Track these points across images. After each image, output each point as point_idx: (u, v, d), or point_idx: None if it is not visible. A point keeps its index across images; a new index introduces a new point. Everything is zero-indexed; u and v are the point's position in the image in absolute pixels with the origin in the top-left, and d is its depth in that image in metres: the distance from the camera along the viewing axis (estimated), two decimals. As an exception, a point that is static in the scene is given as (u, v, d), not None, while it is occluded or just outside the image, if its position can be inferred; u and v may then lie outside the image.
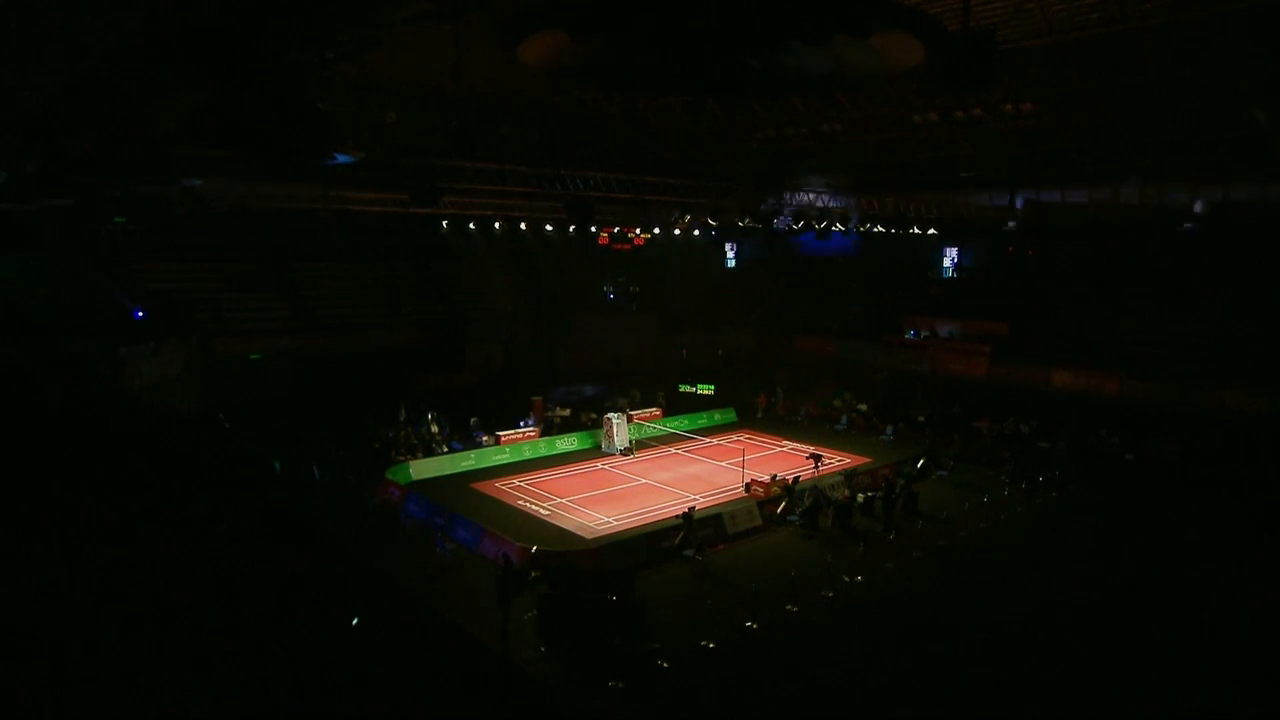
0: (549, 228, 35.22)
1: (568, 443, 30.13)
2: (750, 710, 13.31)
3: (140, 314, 29.15)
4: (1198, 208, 23.26)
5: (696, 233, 35.20)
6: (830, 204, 28.15)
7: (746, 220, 28.10)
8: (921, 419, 32.68)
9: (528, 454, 28.93)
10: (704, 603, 16.91)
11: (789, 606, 16.61)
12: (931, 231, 32.10)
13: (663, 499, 23.95)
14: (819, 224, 29.00)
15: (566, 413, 31.88)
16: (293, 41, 7.32)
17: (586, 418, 31.63)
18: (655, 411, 33.75)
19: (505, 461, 28.05)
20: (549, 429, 30.67)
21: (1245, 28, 14.32)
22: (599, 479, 26.57)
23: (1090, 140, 20.52)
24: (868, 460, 28.37)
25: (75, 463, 13.78)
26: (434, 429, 29.00)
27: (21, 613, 9.33)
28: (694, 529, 20.04)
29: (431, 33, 11.08)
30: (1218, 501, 23.16)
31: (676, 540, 19.79)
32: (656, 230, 36.05)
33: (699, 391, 36.87)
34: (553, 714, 12.27)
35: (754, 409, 36.01)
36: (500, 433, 28.95)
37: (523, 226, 34.87)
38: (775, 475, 24.58)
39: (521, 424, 30.06)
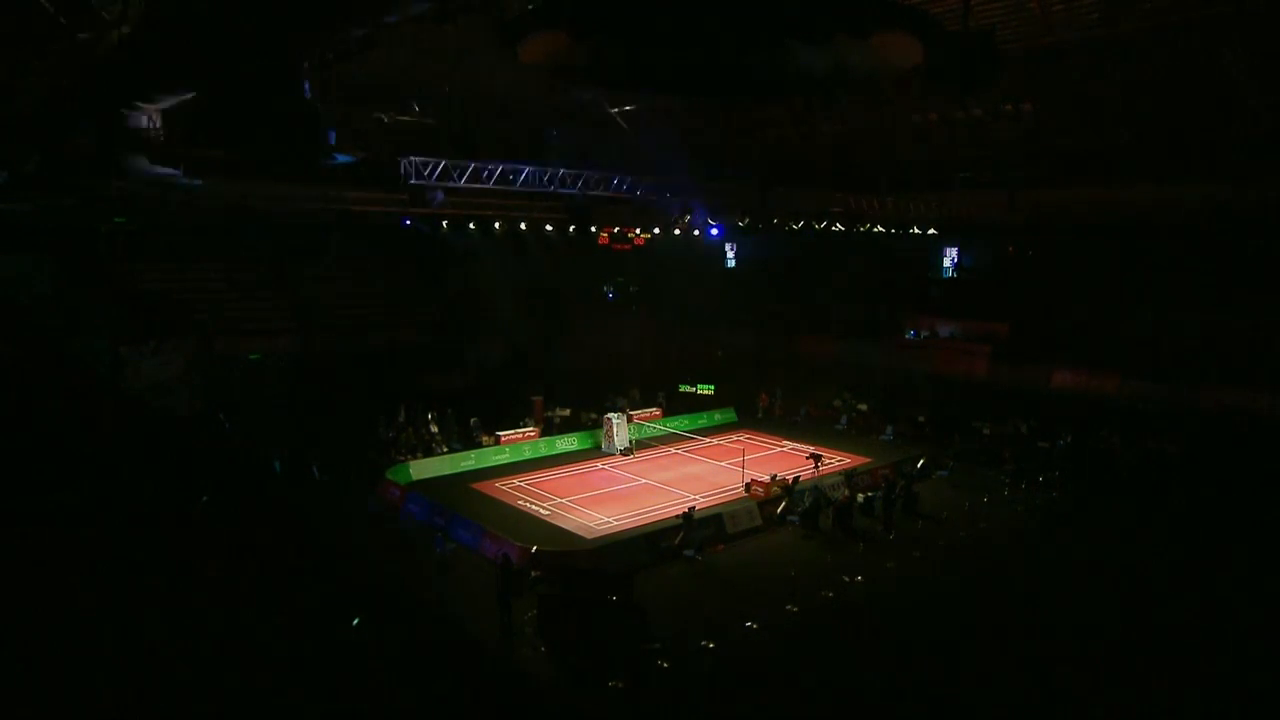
0: (549, 228, 35.19)
1: (568, 443, 30.12)
2: (750, 710, 13.30)
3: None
4: (1197, 208, 23.23)
5: (696, 233, 35.18)
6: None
7: (746, 220, 28.10)
8: (921, 419, 32.66)
9: (528, 454, 28.93)
10: (704, 603, 16.91)
11: (789, 606, 16.61)
12: (931, 231, 32.09)
13: (663, 499, 23.94)
14: (818, 224, 29.00)
15: (566, 413, 31.87)
16: (293, 41, 7.32)
17: (586, 418, 31.62)
18: (655, 411, 33.74)
19: (505, 461, 28.05)
20: (549, 429, 30.67)
21: (1245, 28, 14.33)
22: (599, 479, 26.56)
23: (1090, 140, 20.52)
24: (868, 460, 28.36)
25: (75, 463, 13.78)
26: (434, 429, 29.00)
27: (21, 613, 9.31)
28: (694, 529, 20.04)
29: (431, 33, 11.08)
30: (1218, 501, 23.15)
31: (676, 540, 19.79)
32: (656, 230, 36.01)
33: (699, 391, 36.86)
34: (553, 714, 12.26)
35: (754, 409, 36.00)
36: (500, 433, 28.95)
37: (523, 226, 34.84)
38: (775, 475, 24.57)
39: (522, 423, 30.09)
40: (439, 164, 21.05)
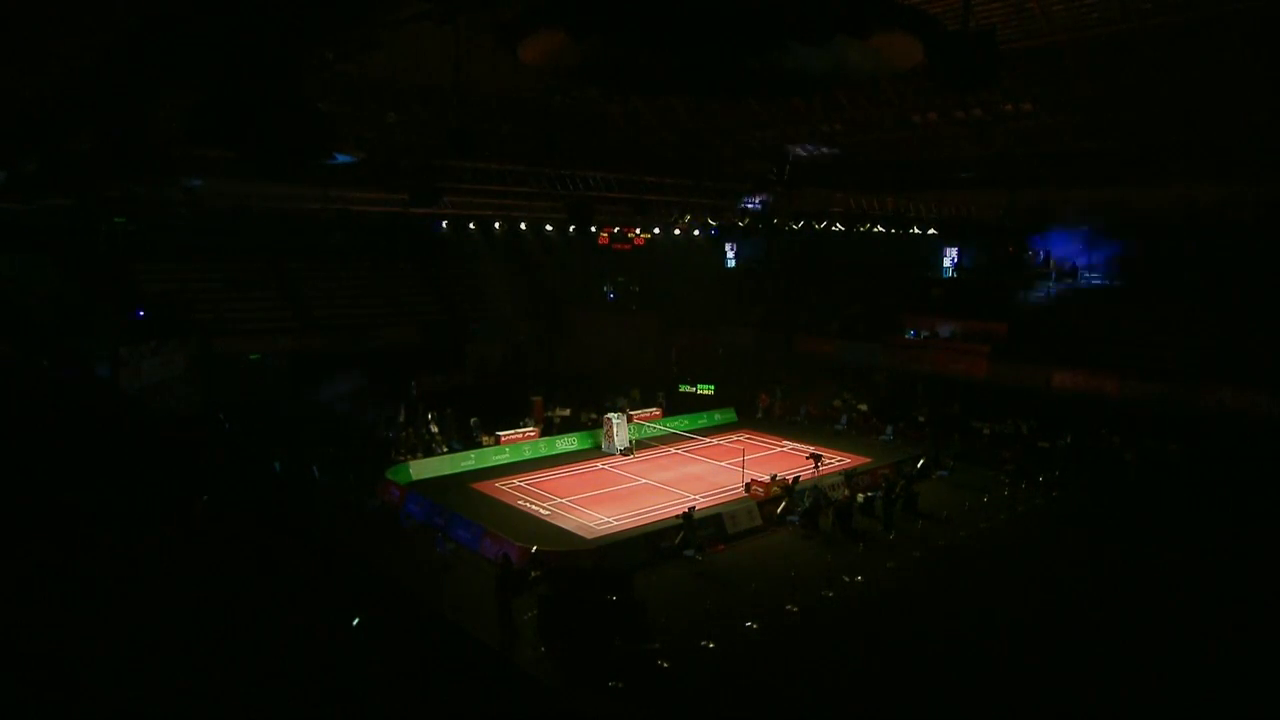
0: (549, 228, 35.23)
1: (568, 443, 30.12)
2: (750, 710, 13.30)
3: (140, 314, 29.19)
4: (1198, 208, 23.24)
5: (696, 233, 35.22)
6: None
7: (746, 220, 28.11)
8: (921, 419, 32.66)
9: (528, 454, 28.93)
10: (704, 603, 16.90)
11: (789, 606, 16.61)
12: (931, 231, 32.10)
13: (663, 499, 23.94)
14: (818, 224, 29.02)
15: (566, 413, 31.88)
16: (293, 41, 7.32)
17: (586, 418, 31.64)
18: (655, 411, 33.75)
19: (505, 461, 28.04)
20: (549, 429, 30.68)
21: (1245, 28, 14.32)
22: (599, 479, 26.57)
23: (1090, 140, 20.50)
24: (868, 460, 28.37)
25: (75, 463, 13.77)
26: (434, 429, 29.01)
27: (21, 613, 9.32)
28: (694, 529, 20.03)
29: (431, 33, 11.08)
30: (1218, 501, 23.15)
31: (676, 540, 19.79)
32: (656, 230, 36.05)
33: (699, 391, 36.87)
34: (553, 714, 12.27)
35: (754, 409, 36.01)
36: (500, 433, 28.96)
37: (523, 226, 34.88)
38: (775, 475, 24.57)
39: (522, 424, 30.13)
40: (440, 164, 21.07)
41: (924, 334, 35.95)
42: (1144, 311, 30.76)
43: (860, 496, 23.31)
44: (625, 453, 29.32)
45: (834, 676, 14.28)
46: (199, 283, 34.15)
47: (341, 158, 15.61)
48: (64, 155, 15.99)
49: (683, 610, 16.49)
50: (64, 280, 28.85)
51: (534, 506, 23.42)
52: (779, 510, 22.46)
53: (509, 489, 25.15)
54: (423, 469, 26.38)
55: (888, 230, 30.26)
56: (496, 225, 34.03)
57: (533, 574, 17.57)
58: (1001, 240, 35.02)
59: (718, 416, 35.15)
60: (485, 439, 28.80)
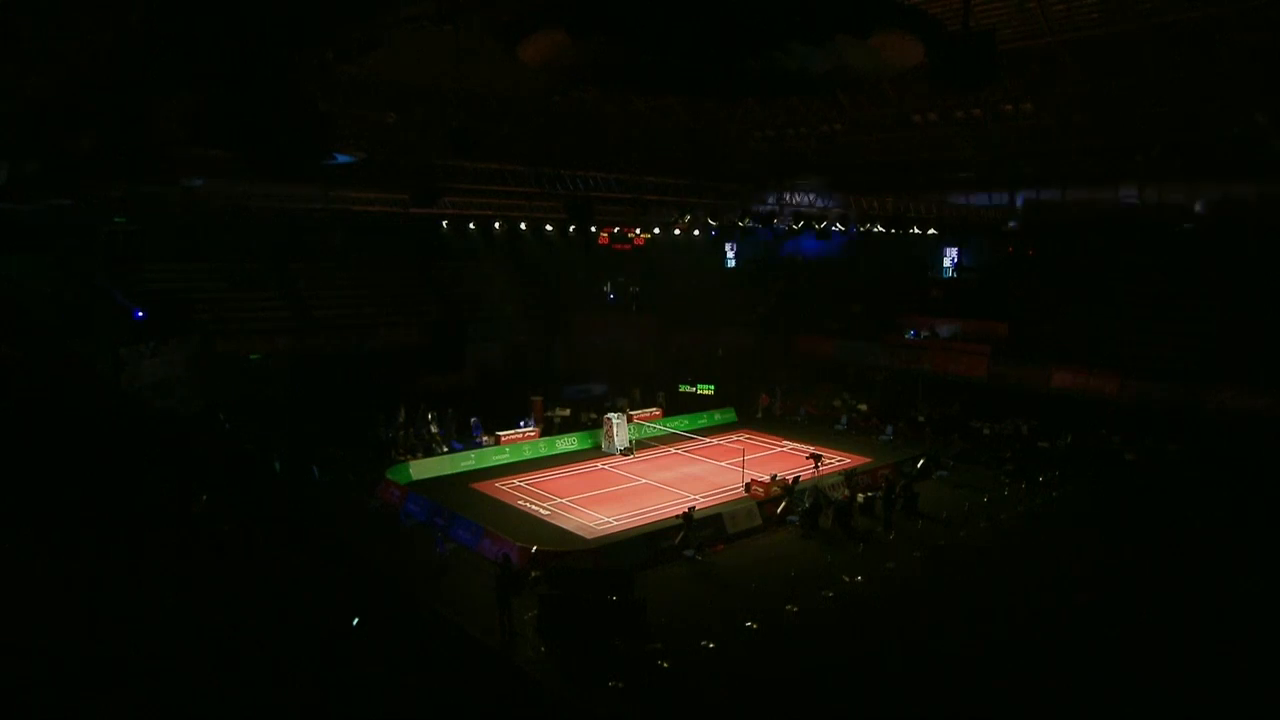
0: (549, 228, 35.22)
1: (568, 443, 30.13)
2: (751, 710, 13.30)
3: (140, 314, 29.17)
4: (1198, 208, 23.23)
5: (696, 233, 35.21)
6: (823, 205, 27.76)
7: (746, 220, 28.08)
8: (921, 419, 32.66)
9: (528, 454, 28.93)
10: (704, 603, 16.91)
11: (789, 606, 16.61)
12: (931, 231, 32.07)
13: (663, 499, 23.94)
14: (819, 224, 28.99)
15: (566, 413, 31.88)
16: (293, 41, 7.32)
17: (586, 418, 31.64)
18: (655, 411, 33.75)
19: (505, 461, 28.05)
20: (549, 429, 30.67)
21: (1245, 28, 14.33)
22: (599, 479, 26.57)
23: (1090, 140, 20.53)
24: (868, 460, 28.36)
25: (75, 463, 13.77)
26: (434, 429, 29.01)
27: (21, 613, 9.32)
28: (694, 529, 20.04)
29: (431, 33, 11.09)
30: (1218, 501, 23.13)
31: (676, 540, 19.79)
32: (656, 230, 36.04)
33: (699, 391, 36.86)
34: (553, 714, 12.27)
35: (754, 409, 36.01)
36: (500, 433, 28.96)
37: (523, 226, 34.88)
38: (775, 475, 24.57)
39: (521, 424, 30.11)
40: (440, 164, 21.07)
41: (924, 334, 35.94)
42: (1144, 312, 30.75)
43: (860, 496, 23.31)
44: (625, 453, 29.33)
45: (834, 676, 14.28)
46: (199, 283, 34.15)
47: (341, 158, 15.63)
48: (64, 155, 16.00)
49: (683, 610, 16.49)
50: (64, 280, 28.83)
51: (534, 506, 23.42)
52: (779, 510, 22.45)
53: (509, 489, 25.15)
54: (423, 469, 26.38)
55: (888, 230, 30.23)
56: (496, 225, 34.01)
57: (533, 574, 17.58)
58: (1002, 240, 35.02)
59: (718, 416, 35.15)
60: (485, 439, 28.80)
